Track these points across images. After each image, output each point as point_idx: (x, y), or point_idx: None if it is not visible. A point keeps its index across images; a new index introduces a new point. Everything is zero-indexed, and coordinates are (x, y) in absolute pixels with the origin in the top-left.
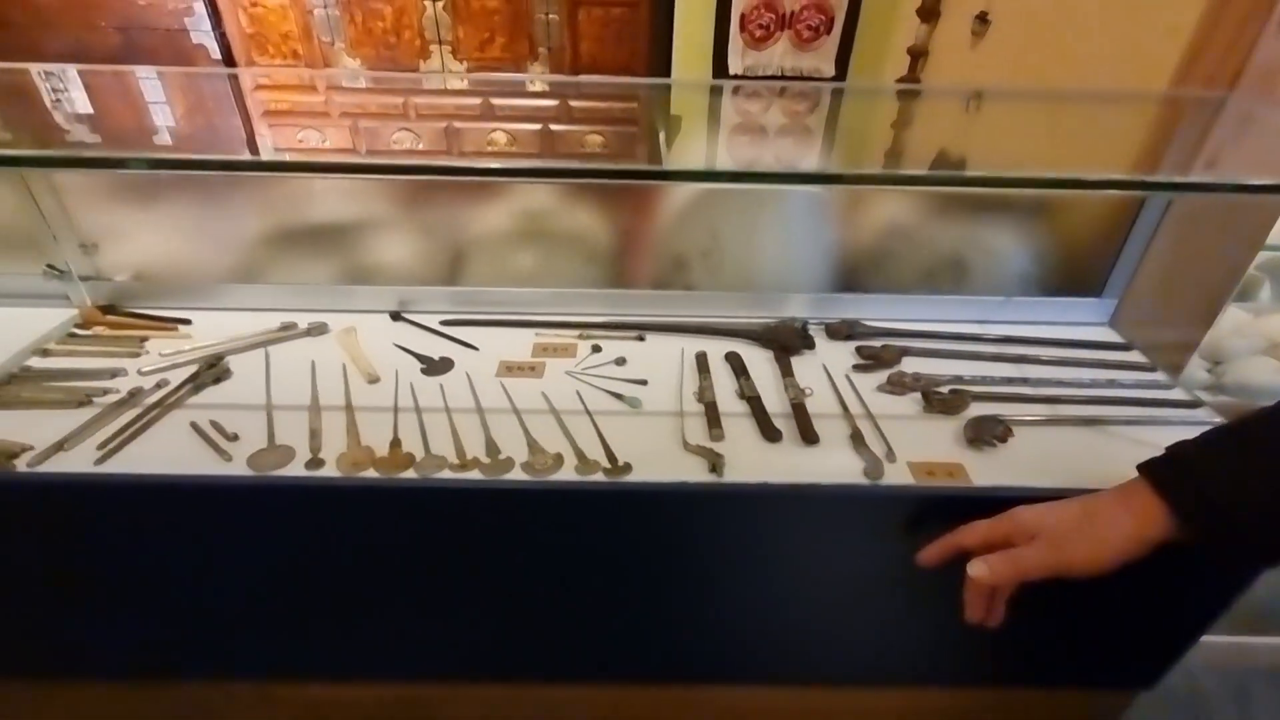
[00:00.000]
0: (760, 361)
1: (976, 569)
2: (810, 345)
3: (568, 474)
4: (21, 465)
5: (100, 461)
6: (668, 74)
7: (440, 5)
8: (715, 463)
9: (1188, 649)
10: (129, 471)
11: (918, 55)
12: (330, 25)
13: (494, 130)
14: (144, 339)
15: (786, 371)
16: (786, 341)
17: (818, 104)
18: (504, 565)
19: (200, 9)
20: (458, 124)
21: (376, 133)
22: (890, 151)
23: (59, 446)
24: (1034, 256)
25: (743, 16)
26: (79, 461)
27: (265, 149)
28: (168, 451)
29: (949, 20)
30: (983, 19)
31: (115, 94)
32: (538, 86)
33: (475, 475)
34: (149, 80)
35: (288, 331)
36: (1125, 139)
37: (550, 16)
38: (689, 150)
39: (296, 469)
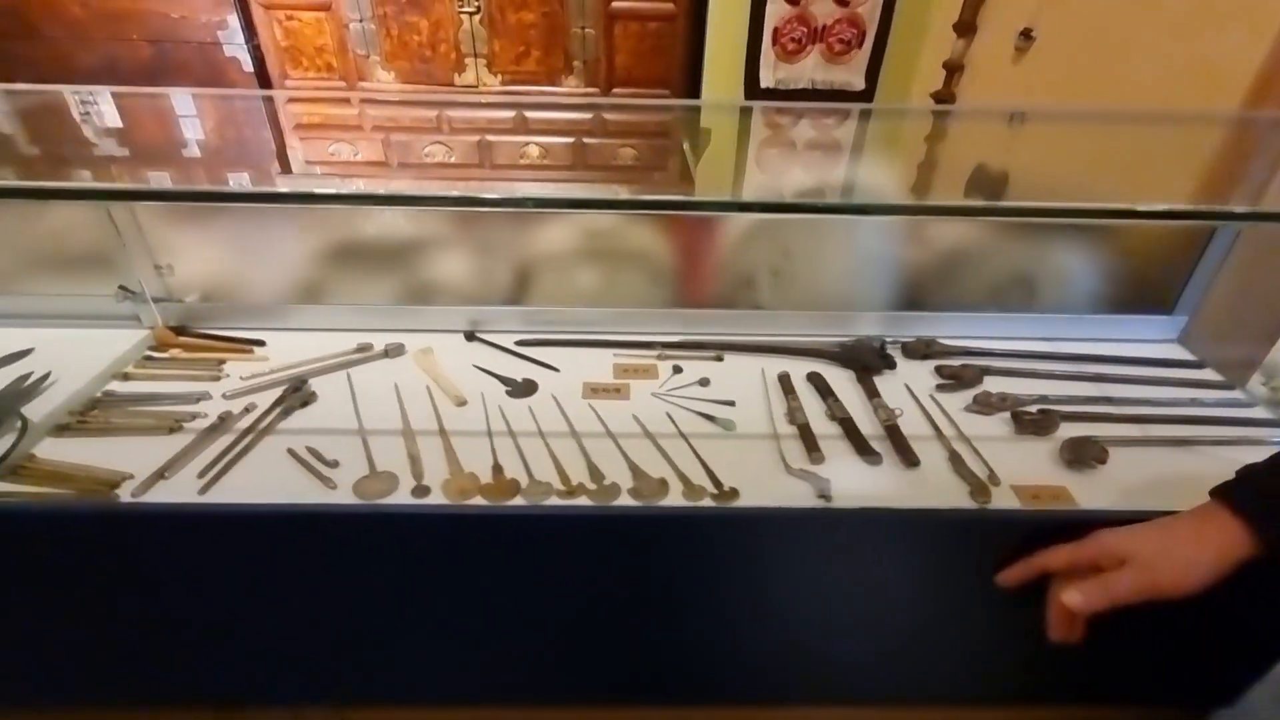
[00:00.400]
0: (842, 381)
1: (1071, 597)
2: (891, 365)
3: (675, 499)
4: (125, 495)
5: (204, 491)
6: (701, 87)
7: (477, 19)
8: (823, 488)
9: (1277, 663)
10: (235, 501)
11: (954, 70)
12: (365, 38)
13: (527, 144)
14: (221, 361)
15: (872, 392)
16: (867, 361)
17: (852, 123)
18: (601, 589)
19: (234, 22)
20: (491, 137)
21: (408, 146)
22: (946, 175)
23: (160, 475)
24: (1104, 274)
25: (775, 30)
26: (182, 490)
27: (296, 162)
28: (269, 479)
29: (986, 35)
30: (1027, 35)
31: (151, 109)
32: (570, 103)
33: (583, 502)
34: (182, 97)
35: (365, 353)
36: (1196, 161)
37: (586, 30)
38: (721, 172)
39: (403, 496)
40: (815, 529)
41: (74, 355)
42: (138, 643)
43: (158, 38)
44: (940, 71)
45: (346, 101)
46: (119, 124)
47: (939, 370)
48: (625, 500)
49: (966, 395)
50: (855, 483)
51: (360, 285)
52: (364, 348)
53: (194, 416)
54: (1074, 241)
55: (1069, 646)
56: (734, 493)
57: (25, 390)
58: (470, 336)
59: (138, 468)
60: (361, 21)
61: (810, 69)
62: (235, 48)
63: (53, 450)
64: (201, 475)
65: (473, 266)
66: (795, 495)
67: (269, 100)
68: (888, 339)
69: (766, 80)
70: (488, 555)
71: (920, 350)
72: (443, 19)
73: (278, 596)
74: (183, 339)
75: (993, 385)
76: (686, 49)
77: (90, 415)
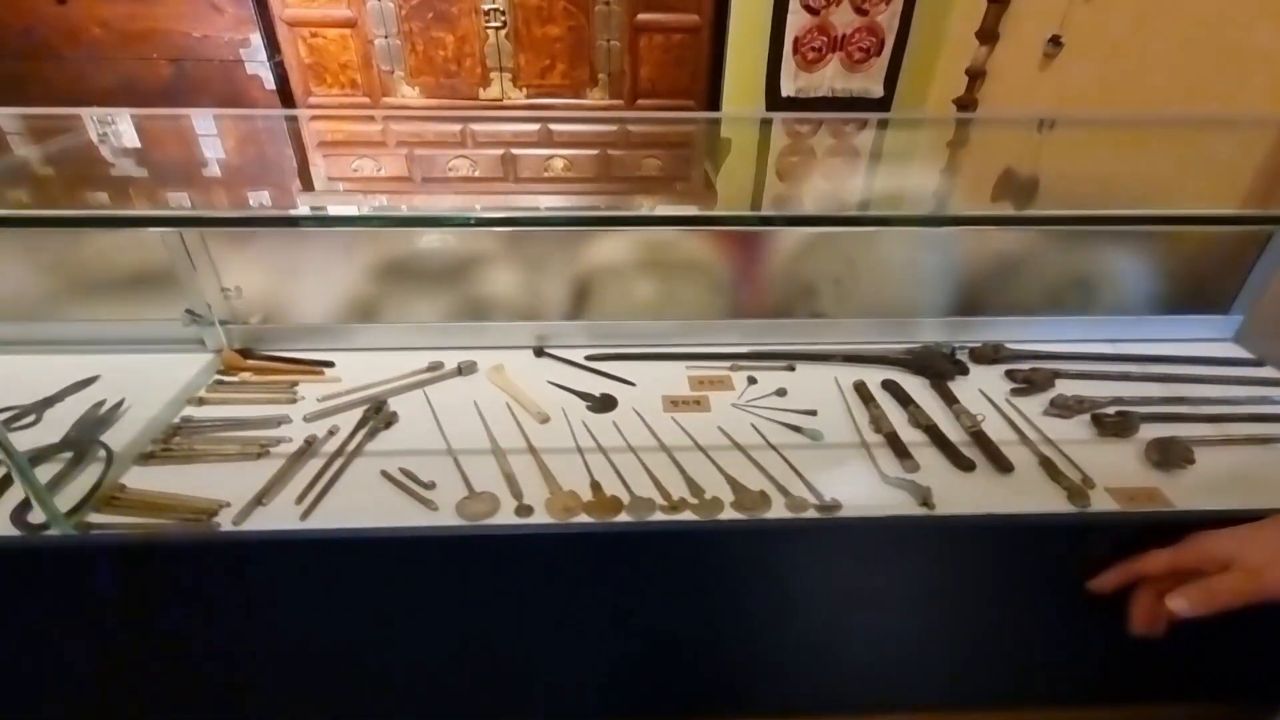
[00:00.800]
0: (917, 389)
1: (1176, 603)
2: (963, 371)
3: (778, 512)
4: (225, 523)
5: (305, 516)
6: (722, 96)
7: (503, 33)
8: (925, 496)
9: None
10: (336, 525)
11: (975, 76)
12: (390, 54)
13: (551, 157)
14: (294, 383)
15: (950, 399)
16: (939, 368)
17: (875, 131)
18: (696, 603)
19: (256, 40)
20: (515, 151)
21: (432, 161)
22: (985, 181)
23: (258, 501)
24: (1158, 275)
25: (796, 39)
26: (282, 517)
27: (319, 179)
28: (367, 502)
29: (1010, 42)
30: (1056, 42)
31: (172, 129)
32: (594, 116)
33: (688, 517)
34: (203, 119)
35: (437, 371)
36: (1247, 164)
37: (611, 43)
38: (743, 182)
39: (506, 517)
40: (920, 538)
41: (141, 381)
42: (238, 671)
43: (178, 56)
44: (960, 78)
45: (370, 118)
46: (138, 144)
47: (1010, 375)
48: (730, 514)
49: (1041, 399)
50: (952, 490)
51: (421, 303)
52: (435, 366)
53: (278, 441)
54: (1128, 245)
55: (1151, 641)
56: (836, 504)
57: (102, 418)
58: (539, 352)
59: (231, 495)
60: (387, 38)
61: (830, 77)
62: (258, 65)
63: (140, 479)
64: (299, 500)
65: (533, 281)
66: (895, 504)
67: (292, 119)
68: (951, 345)
69: (787, 89)
70: (591, 573)
71: (989, 355)
72: (469, 34)
73: (376, 621)
74: (251, 362)
75: (1065, 388)
76: (710, 60)
77: (173, 442)
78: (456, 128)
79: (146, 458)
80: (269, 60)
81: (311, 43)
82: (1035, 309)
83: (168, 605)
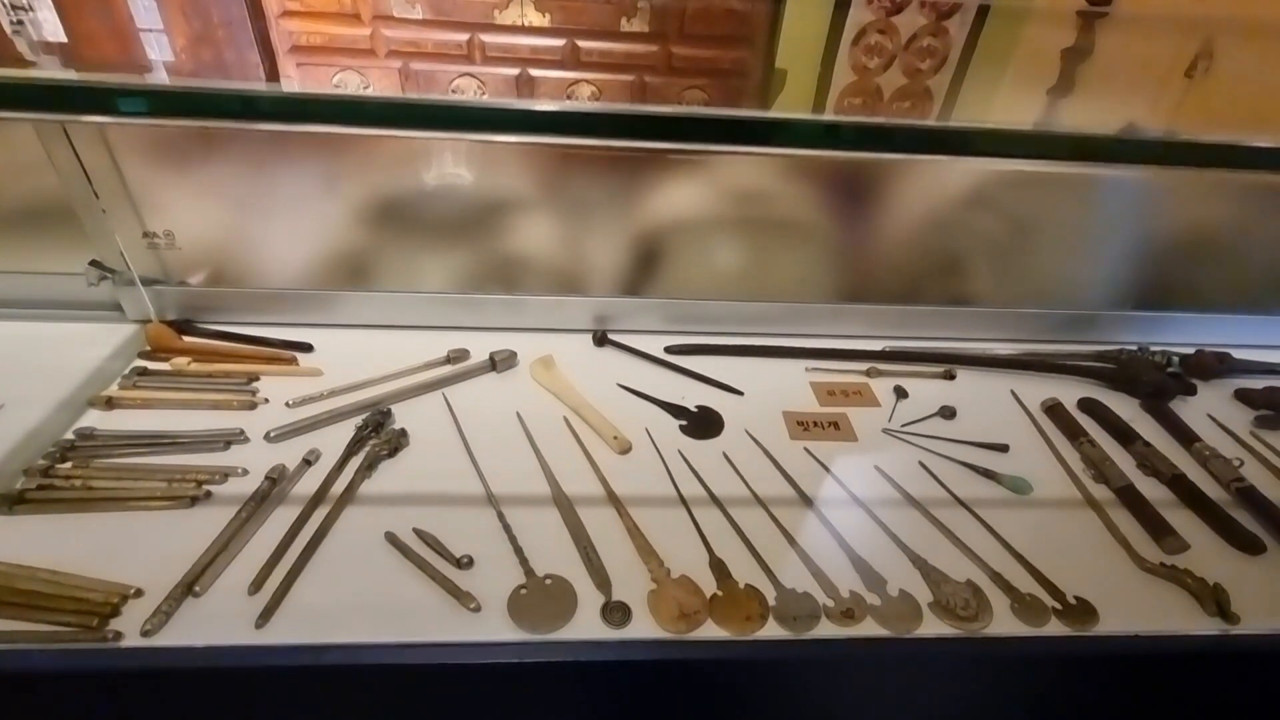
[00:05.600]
0: (1127, 411)
1: None
2: (1188, 390)
3: (1003, 622)
4: (131, 630)
5: (263, 621)
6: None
7: None
8: (1218, 599)
9: None
10: (320, 640)
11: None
12: None
13: (576, 81)
14: (252, 377)
15: (1180, 431)
16: (1152, 382)
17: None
18: None
19: None
20: (534, 71)
21: (432, 78)
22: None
23: (187, 589)
24: None
25: None
26: (227, 619)
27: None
28: (366, 592)
29: None
30: None
31: (105, 20)
32: (633, 26)
33: (871, 630)
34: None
35: (460, 364)
36: None
37: None
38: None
39: (589, 624)
40: (1227, 666)
41: (24, 368)
42: None
43: None
44: None
45: (356, 18)
46: (61, 39)
47: (1244, 397)
48: (931, 625)
49: None
50: (1238, 583)
51: (434, 267)
52: (458, 356)
53: (225, 475)
54: None
55: None
56: (1087, 608)
57: None
58: (600, 339)
59: (146, 574)
60: None
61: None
62: None
63: None
64: (255, 588)
65: (585, 242)
66: (1164, 606)
67: (259, 11)
68: (1165, 350)
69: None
70: (717, 713)
71: (1210, 366)
72: None
73: None
74: (190, 341)
75: None
76: None
77: (57, 476)
78: (463, 37)
79: (12, 504)
80: None
81: None
82: (1252, 303)
83: None
